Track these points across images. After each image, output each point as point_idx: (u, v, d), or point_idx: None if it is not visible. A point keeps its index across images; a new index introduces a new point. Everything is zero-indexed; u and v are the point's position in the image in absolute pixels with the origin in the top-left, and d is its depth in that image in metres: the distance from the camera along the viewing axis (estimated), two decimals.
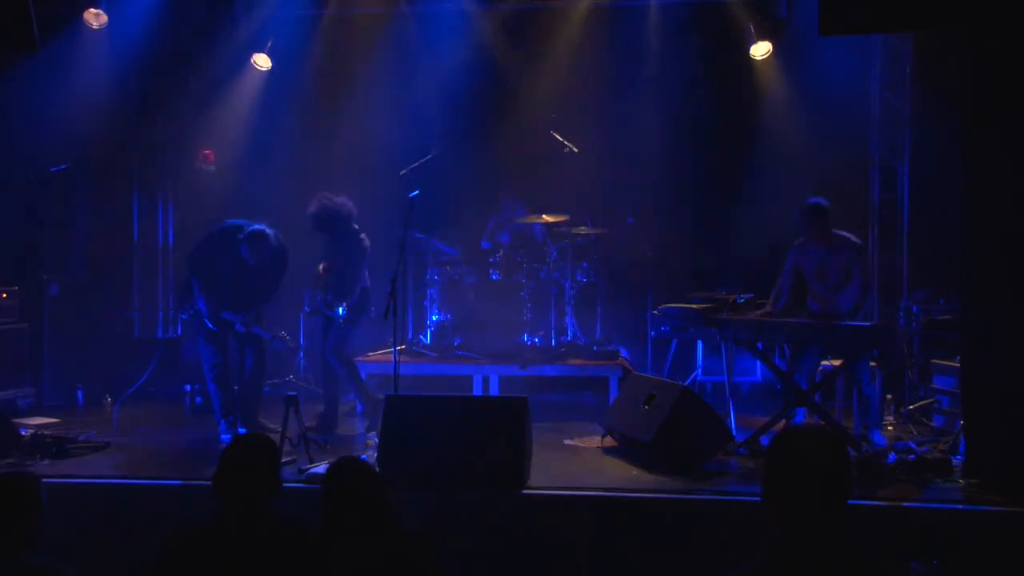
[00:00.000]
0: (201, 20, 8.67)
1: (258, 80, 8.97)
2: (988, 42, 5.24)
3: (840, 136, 8.15)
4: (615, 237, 8.28)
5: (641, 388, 6.23)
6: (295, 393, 5.84)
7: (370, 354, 7.84)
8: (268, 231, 6.47)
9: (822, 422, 6.20)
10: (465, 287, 7.99)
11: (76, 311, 7.85)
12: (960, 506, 4.85)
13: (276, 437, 5.52)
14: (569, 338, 7.92)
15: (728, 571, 2.33)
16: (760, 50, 8.49)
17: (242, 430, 6.38)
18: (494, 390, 7.35)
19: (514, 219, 8.46)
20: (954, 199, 5.63)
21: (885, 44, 8.18)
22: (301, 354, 8.47)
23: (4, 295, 7.50)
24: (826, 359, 6.59)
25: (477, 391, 7.36)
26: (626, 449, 6.05)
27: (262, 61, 8.90)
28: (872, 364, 6.51)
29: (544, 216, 8.06)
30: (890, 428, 6.80)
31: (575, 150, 8.15)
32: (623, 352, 7.90)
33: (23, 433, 6.07)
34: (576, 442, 6.42)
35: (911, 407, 7.14)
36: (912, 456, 5.77)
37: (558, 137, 8.17)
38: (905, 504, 4.86)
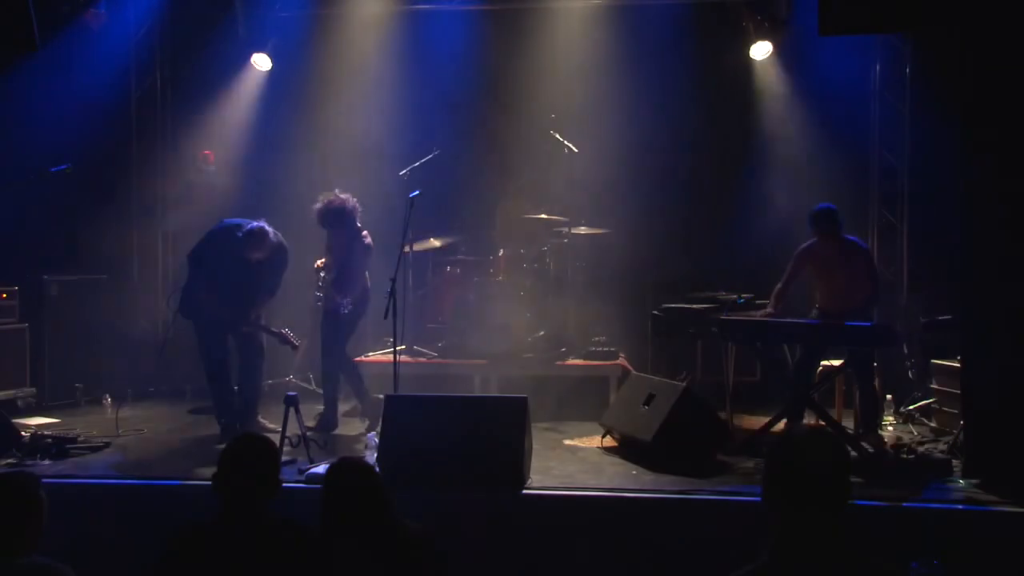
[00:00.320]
0: (201, 20, 8.67)
1: (258, 80, 8.97)
2: (987, 42, 5.24)
3: (840, 136, 8.15)
4: (615, 237, 8.27)
5: (641, 388, 6.23)
6: (295, 393, 5.85)
7: (370, 354, 7.84)
8: (267, 228, 6.46)
9: (822, 422, 6.21)
10: (465, 287, 7.98)
11: (76, 311, 7.85)
12: (960, 506, 4.86)
13: (276, 437, 5.52)
14: (569, 338, 7.91)
15: (728, 571, 2.33)
16: (760, 50, 8.49)
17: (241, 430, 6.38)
18: (494, 390, 7.35)
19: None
20: (954, 199, 5.63)
21: (885, 44, 8.17)
22: (301, 354, 8.45)
23: (4, 295, 7.51)
24: (827, 359, 6.60)
25: (477, 391, 7.36)
26: (626, 449, 6.06)
27: (262, 61, 8.89)
28: (873, 364, 6.52)
29: (544, 216, 8.05)
30: (890, 428, 6.80)
31: (575, 150, 8.15)
32: (623, 352, 7.89)
33: (23, 433, 6.08)
34: (576, 442, 6.42)
35: (911, 407, 7.14)
36: (912, 456, 5.78)
37: (558, 137, 8.17)
38: (905, 504, 4.87)
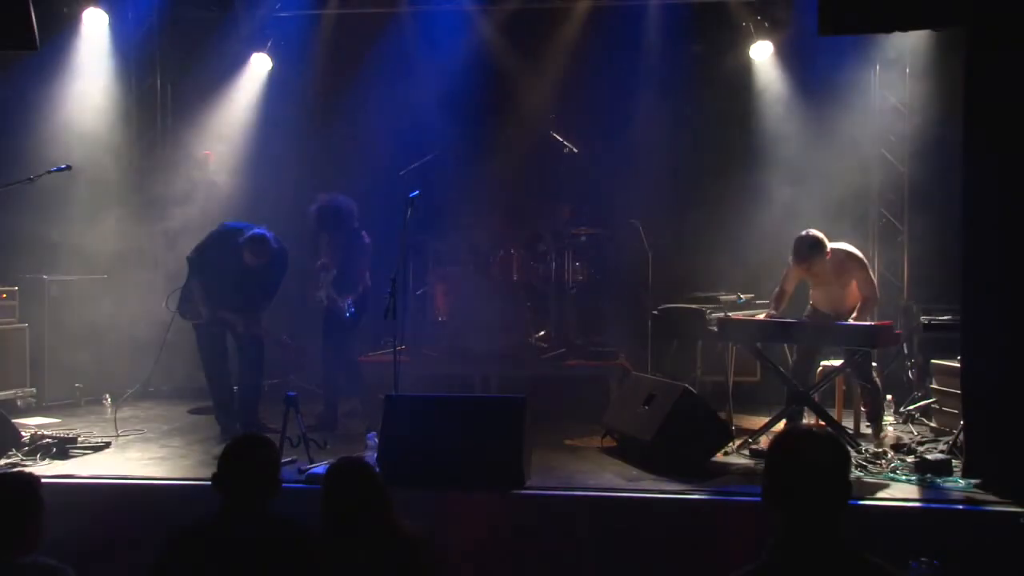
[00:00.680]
0: (201, 20, 8.67)
1: (258, 80, 8.97)
2: (987, 42, 5.24)
3: (840, 136, 8.15)
4: (615, 237, 8.27)
5: (641, 388, 6.23)
6: (295, 393, 5.84)
7: (370, 354, 7.84)
8: (268, 235, 6.48)
9: (822, 422, 6.21)
10: (465, 287, 7.98)
11: (76, 311, 7.85)
12: (960, 506, 4.85)
13: (276, 437, 5.52)
14: (569, 338, 7.91)
15: (728, 571, 2.33)
16: (760, 50, 8.49)
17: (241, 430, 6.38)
18: (494, 390, 7.35)
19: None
20: (954, 199, 5.62)
21: (885, 44, 8.17)
22: (301, 354, 8.45)
23: (4, 295, 7.51)
24: (827, 359, 6.59)
25: (477, 391, 7.36)
26: (626, 449, 6.05)
27: (262, 61, 8.89)
28: (872, 364, 6.52)
29: (543, 216, 8.05)
30: (890, 428, 6.80)
31: (575, 150, 8.14)
32: (623, 352, 7.89)
33: (23, 433, 6.08)
34: (576, 442, 6.42)
35: (911, 407, 7.14)
36: (912, 456, 5.77)
37: (558, 137, 8.17)
38: (905, 504, 4.87)
